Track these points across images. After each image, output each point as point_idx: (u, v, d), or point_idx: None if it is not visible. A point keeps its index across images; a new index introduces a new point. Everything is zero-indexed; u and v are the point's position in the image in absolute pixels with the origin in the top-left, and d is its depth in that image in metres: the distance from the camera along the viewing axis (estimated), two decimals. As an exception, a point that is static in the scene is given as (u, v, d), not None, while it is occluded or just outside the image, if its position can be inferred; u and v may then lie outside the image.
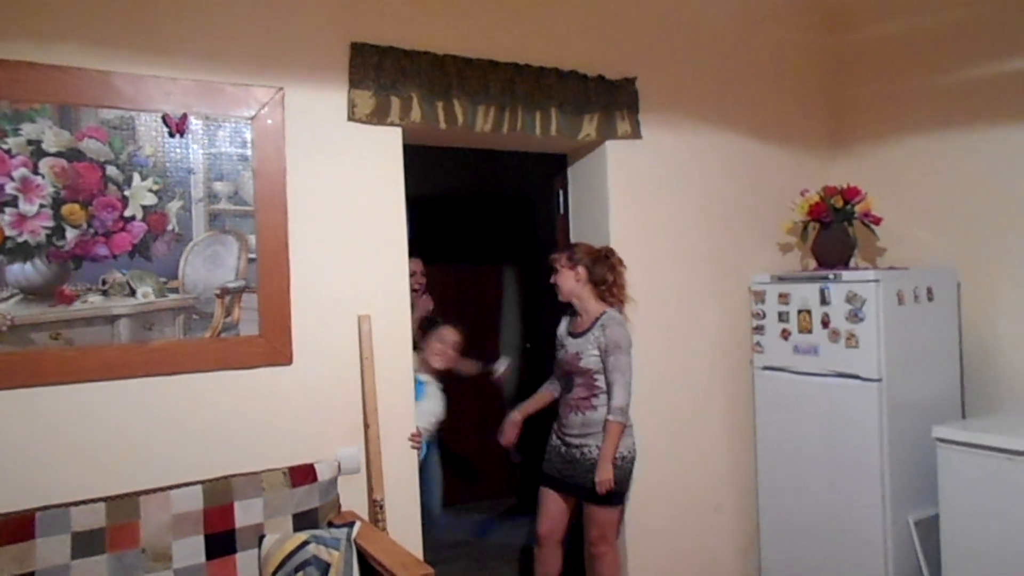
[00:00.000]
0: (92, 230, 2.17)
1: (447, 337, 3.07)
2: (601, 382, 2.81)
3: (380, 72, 2.57)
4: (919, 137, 3.40)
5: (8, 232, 2.06)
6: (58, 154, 2.12)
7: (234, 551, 2.20)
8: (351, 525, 2.28)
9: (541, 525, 2.97)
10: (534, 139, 2.94)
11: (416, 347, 3.04)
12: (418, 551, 2.64)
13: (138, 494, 2.12)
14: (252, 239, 2.39)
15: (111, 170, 2.19)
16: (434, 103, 2.66)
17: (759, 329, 3.36)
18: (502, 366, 3.54)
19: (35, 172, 2.09)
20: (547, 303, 3.33)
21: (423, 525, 3.44)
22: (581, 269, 2.88)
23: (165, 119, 2.26)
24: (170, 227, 2.28)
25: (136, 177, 2.23)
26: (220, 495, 2.21)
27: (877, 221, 3.27)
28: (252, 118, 2.39)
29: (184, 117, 2.29)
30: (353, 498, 2.51)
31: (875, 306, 2.92)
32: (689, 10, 3.33)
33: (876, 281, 2.92)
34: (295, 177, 2.46)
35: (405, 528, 2.60)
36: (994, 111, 3.11)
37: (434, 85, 2.66)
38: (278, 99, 2.42)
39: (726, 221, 3.42)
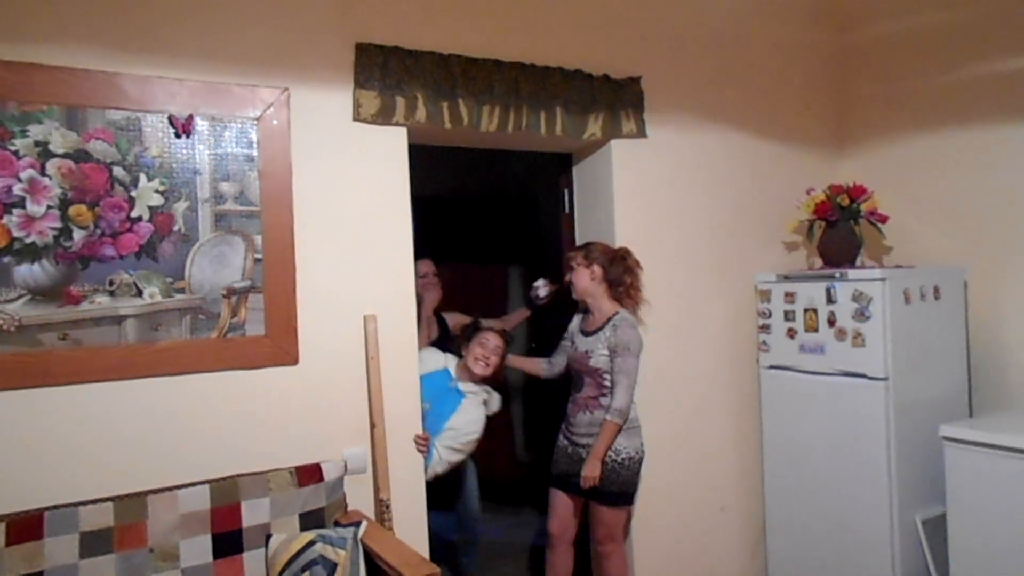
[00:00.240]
0: (99, 231, 2.17)
1: (490, 342, 2.93)
2: (609, 382, 2.80)
3: (385, 72, 2.57)
4: (925, 135, 3.39)
5: (16, 233, 2.07)
6: (65, 155, 2.13)
7: (241, 551, 2.20)
8: (357, 524, 2.28)
9: (552, 525, 2.97)
10: (539, 138, 2.94)
11: (458, 352, 3.01)
12: (424, 550, 2.65)
13: (146, 494, 2.13)
14: (258, 239, 2.40)
15: (118, 171, 2.20)
16: (439, 103, 2.66)
17: (765, 328, 3.36)
18: (544, 289, 3.29)
19: (42, 173, 2.10)
20: (552, 303, 3.33)
21: (465, 528, 3.48)
22: (597, 268, 2.87)
23: (171, 120, 2.27)
24: (176, 228, 2.28)
25: (143, 178, 2.23)
26: (227, 495, 2.22)
27: (883, 219, 3.26)
28: (258, 119, 2.40)
29: (190, 118, 2.30)
30: (359, 498, 2.52)
31: (882, 305, 2.91)
32: (694, 9, 3.32)
33: (883, 280, 2.91)
34: (301, 177, 2.47)
35: (411, 527, 2.60)
36: (1001, 108, 3.10)
37: (439, 85, 2.66)
38: (283, 99, 2.43)
39: (731, 220, 3.41)
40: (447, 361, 3.00)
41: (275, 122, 2.42)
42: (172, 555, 2.11)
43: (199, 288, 2.32)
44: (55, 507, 2.01)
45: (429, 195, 3.61)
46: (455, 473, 3.38)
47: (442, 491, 3.36)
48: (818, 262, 3.43)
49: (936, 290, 3.08)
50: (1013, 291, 3.10)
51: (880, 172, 3.51)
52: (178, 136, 2.28)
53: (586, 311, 2.96)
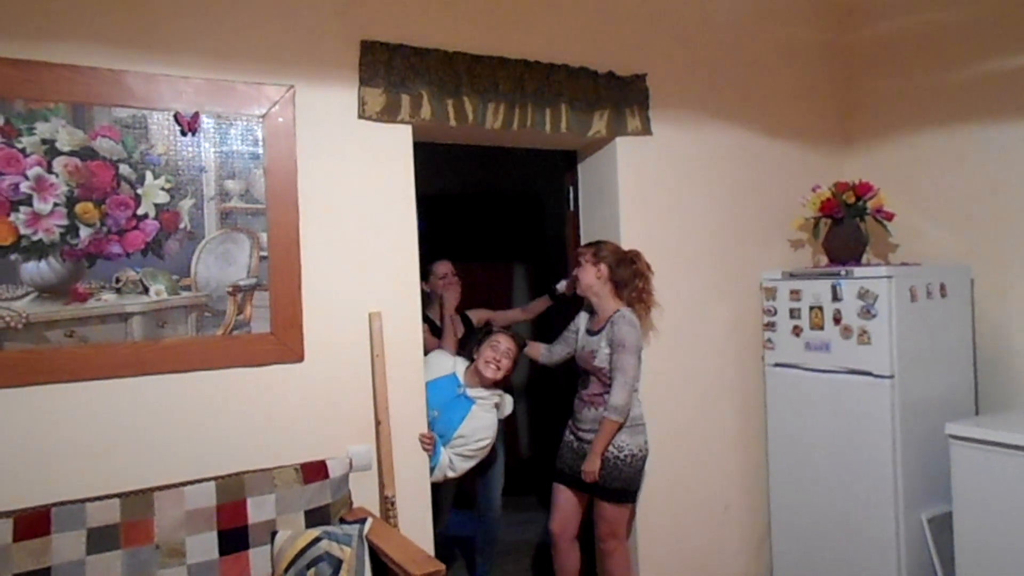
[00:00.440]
0: (105, 228, 2.18)
1: (500, 345, 2.88)
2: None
3: (390, 70, 2.57)
4: (932, 133, 3.37)
5: (23, 231, 2.08)
6: (72, 153, 2.14)
7: (247, 547, 2.21)
8: (363, 521, 2.29)
9: (553, 522, 2.98)
10: (544, 136, 2.94)
11: (469, 355, 2.99)
12: (429, 547, 2.65)
13: (152, 490, 2.14)
14: (264, 237, 2.40)
15: (124, 169, 2.21)
16: (444, 100, 2.66)
17: (770, 326, 3.35)
18: (562, 284, 3.26)
19: (49, 171, 2.11)
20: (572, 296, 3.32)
21: (486, 526, 3.50)
22: (603, 267, 2.87)
23: (177, 118, 2.28)
24: (182, 225, 2.29)
25: (149, 175, 2.24)
26: (233, 492, 2.23)
27: (890, 217, 3.25)
28: (263, 116, 2.40)
29: (196, 116, 2.30)
30: (365, 495, 2.52)
31: (887, 303, 2.90)
32: (699, 6, 3.32)
33: (889, 277, 2.90)
34: (306, 175, 2.47)
35: (416, 524, 2.61)
36: (1008, 106, 3.09)
37: (444, 82, 2.66)
38: (289, 97, 2.43)
39: (737, 217, 3.41)
40: (456, 365, 2.95)
41: (280, 120, 2.42)
42: (178, 551, 2.12)
43: (205, 286, 2.32)
44: (62, 503, 2.02)
45: (434, 193, 3.61)
46: (480, 469, 3.41)
47: (464, 489, 3.39)
48: (824, 260, 3.42)
49: (942, 288, 3.07)
50: (1020, 289, 3.08)
51: (886, 169, 3.50)
52: (184, 134, 2.29)
53: (592, 311, 2.97)
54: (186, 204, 2.30)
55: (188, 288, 2.30)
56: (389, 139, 2.61)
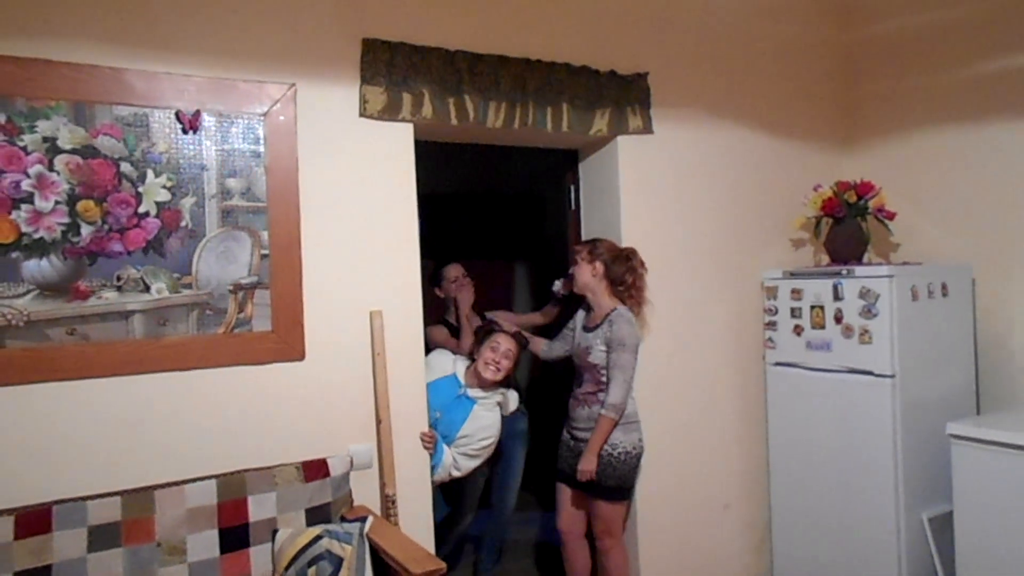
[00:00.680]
0: (107, 226, 2.18)
1: (501, 346, 2.84)
2: (607, 377, 2.81)
3: (391, 68, 2.57)
4: (933, 132, 3.37)
5: (24, 228, 2.08)
6: (73, 151, 2.14)
7: (248, 545, 2.21)
8: (363, 520, 2.29)
9: (559, 521, 3.01)
10: (545, 134, 2.93)
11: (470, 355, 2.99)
12: (430, 545, 2.65)
13: (153, 488, 2.14)
14: (265, 235, 2.40)
15: (125, 167, 2.21)
16: (445, 99, 2.66)
17: (771, 325, 3.35)
18: (557, 284, 3.26)
19: (50, 169, 2.11)
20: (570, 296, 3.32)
21: (497, 526, 3.51)
22: (599, 264, 2.88)
23: (178, 116, 2.28)
24: (184, 223, 2.29)
25: (150, 174, 2.24)
26: (234, 489, 2.23)
27: (891, 216, 3.25)
28: (264, 114, 2.40)
29: (197, 114, 2.30)
30: (365, 493, 2.53)
31: (889, 302, 2.90)
32: (701, 5, 3.31)
33: (890, 277, 2.90)
34: (307, 173, 2.47)
35: (417, 523, 2.61)
36: (1010, 106, 3.08)
37: (445, 81, 2.66)
38: (290, 95, 2.43)
39: (738, 216, 3.41)
40: (456, 365, 2.94)
41: (282, 118, 2.42)
42: (179, 549, 2.12)
43: (206, 284, 2.32)
44: (63, 501, 2.03)
45: (436, 192, 3.61)
46: (498, 469, 3.43)
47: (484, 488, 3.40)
48: (825, 259, 3.42)
49: (944, 287, 3.07)
50: (1021, 288, 3.08)
51: (887, 169, 3.50)
52: (185, 132, 2.29)
53: (589, 308, 2.97)
54: (187, 202, 2.30)
55: (189, 286, 2.30)
56: (390, 138, 2.61)
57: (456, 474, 2.78)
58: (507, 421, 3.33)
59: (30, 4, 2.09)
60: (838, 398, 3.07)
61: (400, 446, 2.58)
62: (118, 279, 2.20)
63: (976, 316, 3.21)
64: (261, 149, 2.40)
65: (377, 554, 2.22)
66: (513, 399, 2.99)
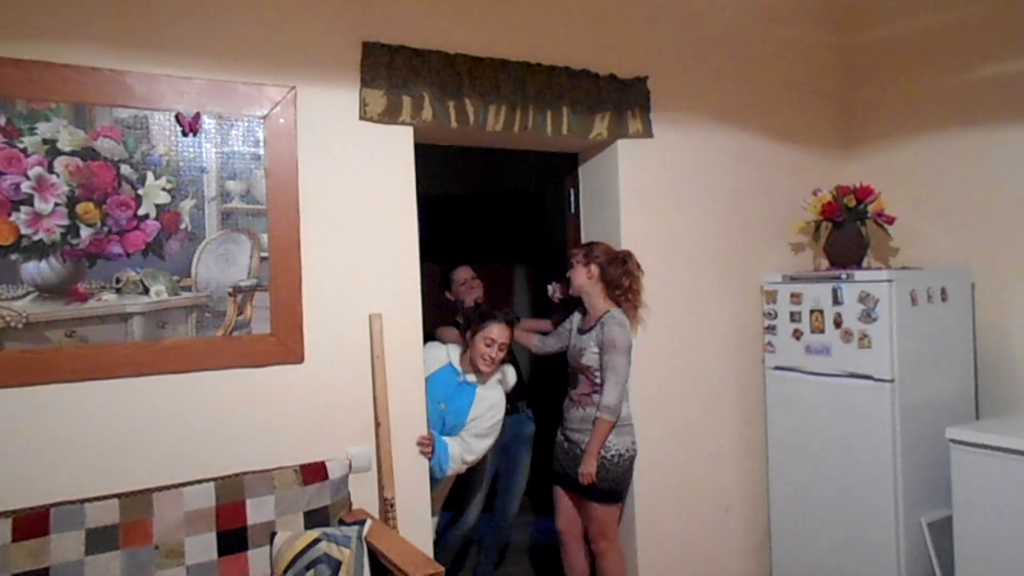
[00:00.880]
0: (106, 228, 2.18)
1: (496, 341, 2.77)
2: (600, 379, 2.83)
3: (391, 71, 2.57)
4: (933, 136, 3.37)
5: (24, 230, 2.08)
6: (73, 153, 2.14)
7: (246, 548, 2.21)
8: (362, 523, 2.28)
9: (558, 523, 3.03)
10: (545, 138, 2.94)
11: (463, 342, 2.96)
12: (428, 549, 2.65)
13: (151, 491, 2.13)
14: (264, 238, 2.40)
15: (125, 169, 2.21)
16: (445, 102, 2.66)
17: (771, 329, 3.35)
18: (551, 288, 3.30)
19: (50, 171, 2.11)
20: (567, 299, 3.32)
21: (498, 529, 3.50)
22: (594, 267, 2.90)
23: (178, 118, 2.28)
24: (183, 226, 2.29)
25: (150, 176, 2.24)
26: (232, 492, 2.22)
27: (891, 220, 3.25)
28: (264, 117, 2.40)
29: (197, 116, 2.30)
30: (364, 496, 2.52)
31: (888, 306, 2.90)
32: (701, 9, 3.32)
33: (889, 281, 2.90)
34: (307, 176, 2.47)
35: (415, 526, 2.60)
36: (1009, 110, 3.08)
37: (445, 84, 2.66)
38: (290, 98, 2.43)
39: (738, 220, 3.41)
40: (450, 355, 2.91)
41: (282, 121, 2.42)
42: (177, 552, 2.11)
43: (205, 286, 2.32)
44: (61, 504, 2.02)
45: (435, 195, 3.61)
46: (500, 472, 3.43)
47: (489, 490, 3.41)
48: (824, 263, 3.42)
49: (943, 292, 3.07)
50: (1021, 293, 3.08)
51: (887, 173, 3.50)
52: (185, 134, 2.29)
53: (585, 310, 2.98)
54: (187, 205, 2.30)
55: (188, 288, 2.30)
56: (390, 140, 2.61)
57: (470, 459, 2.77)
58: (514, 425, 3.36)
59: (30, 6, 2.09)
60: (837, 402, 3.07)
61: (399, 449, 2.57)
62: (117, 281, 2.20)
63: (975, 320, 3.21)
64: (261, 152, 2.40)
65: (375, 558, 2.21)
66: (511, 374, 3.00)
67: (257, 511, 2.24)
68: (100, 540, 2.02)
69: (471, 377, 2.84)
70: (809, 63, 3.65)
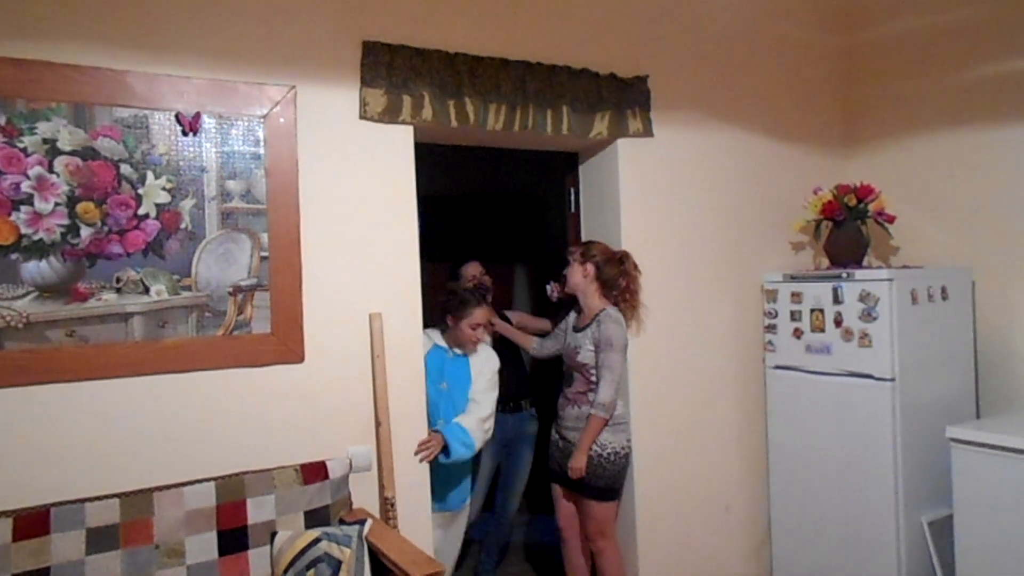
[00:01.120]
0: (106, 228, 2.18)
1: (480, 320, 2.88)
2: (596, 377, 2.84)
3: (392, 70, 2.57)
4: (933, 135, 3.37)
5: (24, 230, 2.08)
6: (73, 152, 2.14)
7: (246, 548, 2.21)
8: (363, 522, 2.28)
9: (558, 520, 3.05)
10: (545, 137, 2.93)
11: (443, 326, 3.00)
12: (428, 548, 2.65)
13: (152, 490, 2.13)
14: (264, 237, 2.40)
15: (125, 168, 2.21)
16: (445, 101, 2.66)
17: (771, 328, 3.35)
18: (549, 287, 3.35)
19: (50, 170, 2.11)
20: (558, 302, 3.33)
21: (499, 527, 3.51)
22: (591, 266, 2.91)
23: (178, 118, 2.28)
24: (183, 225, 2.29)
25: (150, 175, 2.24)
26: (233, 492, 2.22)
27: (891, 219, 3.25)
28: (264, 116, 2.40)
29: (197, 116, 2.30)
30: (364, 496, 2.52)
31: (889, 305, 2.90)
32: (702, 9, 3.31)
33: (890, 280, 2.90)
34: (307, 175, 2.47)
35: (416, 525, 2.60)
36: (1010, 109, 3.08)
37: (445, 83, 2.66)
38: (290, 97, 2.43)
39: (738, 219, 3.41)
40: (433, 337, 2.95)
41: (282, 120, 2.42)
42: (178, 552, 2.11)
43: (205, 286, 2.32)
44: (61, 503, 2.02)
45: (435, 194, 3.61)
46: (500, 467, 3.46)
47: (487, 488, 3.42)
48: (825, 262, 3.42)
49: (944, 291, 3.06)
50: (1021, 291, 3.08)
51: (887, 172, 3.50)
52: (185, 134, 2.29)
53: (580, 309, 2.99)
54: (187, 204, 2.30)
55: (189, 288, 2.30)
56: (390, 140, 2.61)
57: (486, 416, 2.79)
58: (517, 423, 3.39)
59: (30, 6, 2.09)
60: (838, 401, 3.07)
61: (399, 449, 2.58)
62: (117, 281, 2.20)
63: (976, 319, 3.21)
64: (261, 151, 2.40)
65: (376, 557, 2.21)
66: (487, 338, 3.05)
67: (258, 510, 2.24)
68: (101, 540, 2.02)
69: (459, 350, 2.93)
70: (810, 62, 3.64)
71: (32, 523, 1.96)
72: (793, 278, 3.27)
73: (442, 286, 3.04)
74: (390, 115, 2.58)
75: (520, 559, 3.95)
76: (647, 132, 3.12)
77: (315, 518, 2.32)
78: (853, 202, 3.22)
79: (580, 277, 2.93)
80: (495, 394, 2.89)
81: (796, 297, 3.22)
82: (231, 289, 2.36)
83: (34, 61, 2.09)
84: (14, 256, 2.07)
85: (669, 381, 3.20)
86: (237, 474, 2.27)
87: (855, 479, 3.01)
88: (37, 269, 2.10)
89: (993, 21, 3.14)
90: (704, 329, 3.32)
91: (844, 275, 3.05)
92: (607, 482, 2.84)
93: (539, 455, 3.42)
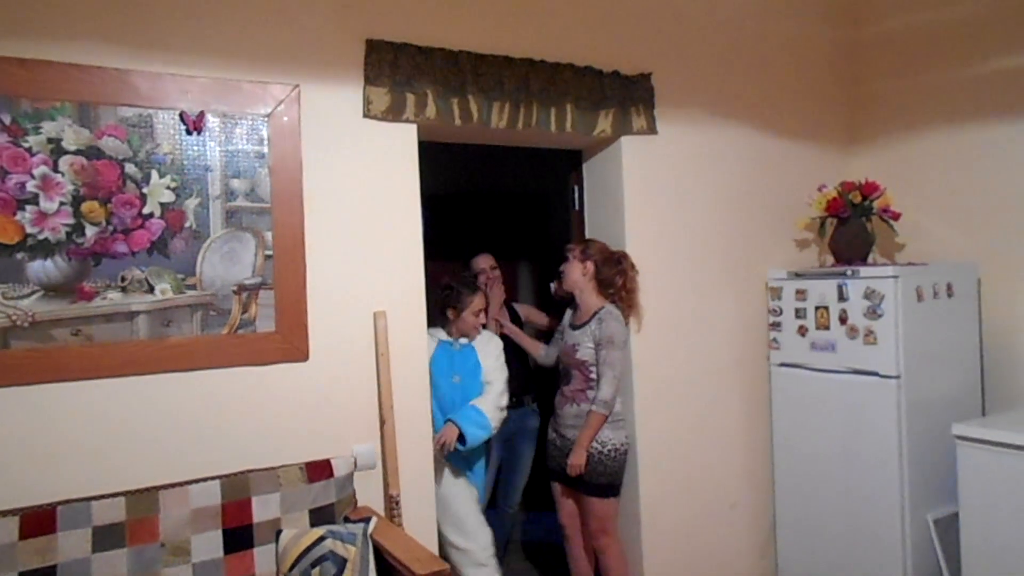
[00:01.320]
0: (111, 227, 2.19)
1: (481, 306, 2.97)
2: (595, 374, 2.85)
3: (395, 69, 2.57)
4: (938, 131, 3.36)
5: (29, 229, 2.08)
6: (77, 152, 2.14)
7: (252, 546, 2.21)
8: (367, 520, 2.29)
9: (560, 517, 3.05)
10: (549, 135, 2.93)
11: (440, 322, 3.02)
12: (433, 546, 2.65)
13: (157, 489, 2.14)
14: (269, 236, 2.41)
15: (130, 168, 2.21)
16: (449, 100, 2.66)
17: (776, 326, 3.34)
18: (553, 285, 3.35)
19: (55, 170, 2.11)
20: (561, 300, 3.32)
21: (501, 524, 3.52)
22: (589, 264, 2.92)
23: (183, 117, 2.28)
24: (188, 224, 2.29)
25: (154, 174, 2.24)
26: (238, 490, 2.23)
27: (896, 216, 3.24)
28: (268, 115, 2.40)
29: (201, 115, 2.30)
30: (369, 494, 2.53)
31: (894, 302, 2.89)
32: (706, 5, 3.31)
33: (895, 277, 2.89)
34: (311, 174, 2.47)
35: (421, 523, 2.61)
36: (1015, 105, 3.07)
37: (449, 81, 2.65)
38: (294, 96, 2.43)
39: (742, 217, 3.40)
40: (437, 335, 2.98)
41: (286, 119, 2.42)
42: (183, 550, 2.12)
43: (210, 284, 2.33)
44: (68, 502, 2.03)
45: (439, 192, 3.62)
46: (502, 463, 3.50)
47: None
48: (830, 259, 3.41)
49: (949, 287, 3.06)
50: (1027, 289, 3.07)
51: (892, 168, 3.49)
52: (189, 133, 2.29)
53: (576, 306, 2.99)
54: (191, 203, 2.30)
55: (193, 287, 2.30)
56: (394, 138, 2.61)
57: (503, 398, 2.88)
58: (518, 418, 3.40)
59: (34, 5, 2.10)
60: (843, 399, 3.06)
61: (404, 447, 2.58)
62: (122, 280, 2.20)
63: (982, 316, 3.20)
64: (265, 150, 2.40)
65: (381, 555, 2.22)
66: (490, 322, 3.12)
67: (263, 509, 2.24)
68: (107, 538, 2.03)
69: (464, 340, 2.97)
70: (814, 59, 3.63)
71: (39, 521, 1.97)
72: (798, 275, 3.26)
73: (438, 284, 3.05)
74: (394, 113, 2.58)
75: (520, 557, 3.95)
76: (651, 129, 3.12)
77: (320, 516, 2.32)
78: (858, 199, 3.21)
79: (579, 275, 2.93)
80: (506, 373, 2.96)
81: (801, 294, 3.22)
82: (235, 288, 2.36)
83: (39, 61, 2.09)
84: (19, 255, 2.08)
85: (674, 379, 3.20)
86: (242, 472, 2.28)
87: (860, 476, 3.01)
88: (42, 268, 2.10)
89: (998, 16, 3.12)
90: (709, 326, 3.32)
91: (849, 272, 3.04)
92: (608, 479, 2.84)
93: (540, 451, 3.42)
